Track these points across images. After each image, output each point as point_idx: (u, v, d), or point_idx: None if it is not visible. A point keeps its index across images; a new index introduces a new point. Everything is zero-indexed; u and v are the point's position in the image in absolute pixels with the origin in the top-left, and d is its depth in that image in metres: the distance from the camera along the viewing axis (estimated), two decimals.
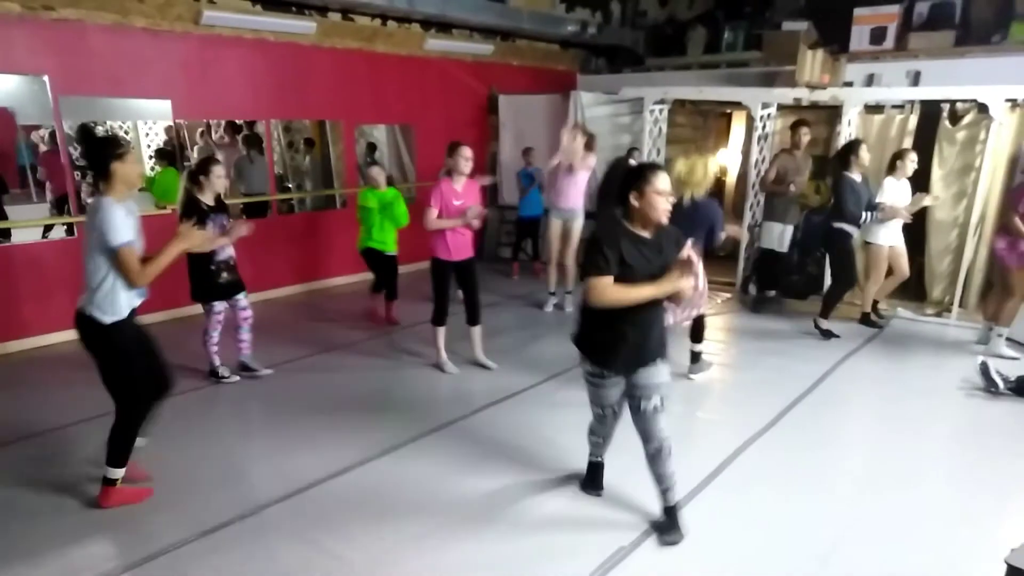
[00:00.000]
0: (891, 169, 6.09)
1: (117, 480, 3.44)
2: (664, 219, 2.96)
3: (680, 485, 3.59)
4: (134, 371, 3.34)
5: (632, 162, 7.21)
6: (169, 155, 6.55)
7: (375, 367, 5.49)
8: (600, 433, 3.51)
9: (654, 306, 3.03)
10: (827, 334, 6.06)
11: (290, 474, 3.75)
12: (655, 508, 3.34)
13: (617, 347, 3.06)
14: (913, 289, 7.14)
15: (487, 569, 3.01)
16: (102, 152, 3.23)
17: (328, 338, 6.16)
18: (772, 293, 7.29)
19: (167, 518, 3.36)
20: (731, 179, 9.97)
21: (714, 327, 6.64)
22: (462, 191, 5.00)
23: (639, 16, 10.82)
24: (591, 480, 3.64)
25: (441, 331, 5.30)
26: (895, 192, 6.04)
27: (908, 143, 6.72)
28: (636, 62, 10.44)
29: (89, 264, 3.19)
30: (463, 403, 4.69)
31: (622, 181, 3.03)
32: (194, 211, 4.57)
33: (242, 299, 5.02)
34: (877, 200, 5.99)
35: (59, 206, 5.89)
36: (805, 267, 7.43)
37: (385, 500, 3.53)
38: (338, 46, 7.65)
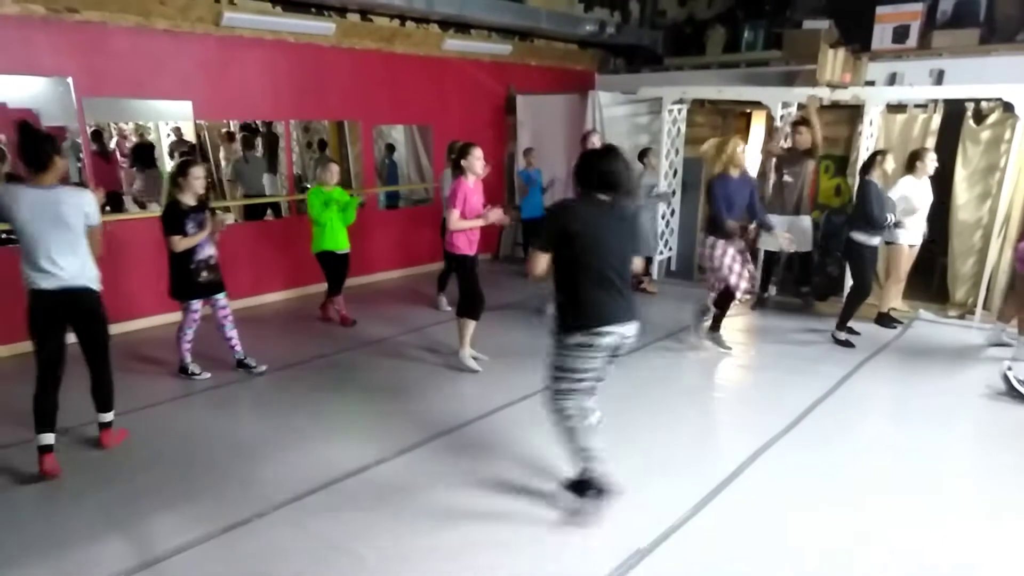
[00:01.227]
0: (910, 168, 6.02)
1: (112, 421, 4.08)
2: None
3: (697, 488, 3.59)
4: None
5: (646, 161, 7.31)
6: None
7: (392, 367, 5.50)
8: (589, 410, 3.26)
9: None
10: (846, 344, 5.96)
11: (306, 472, 3.78)
12: (671, 512, 3.33)
13: (606, 302, 3.15)
14: (936, 290, 7.05)
15: (502, 569, 3.01)
16: (45, 147, 3.66)
17: (343, 337, 6.20)
18: (773, 292, 7.30)
19: (182, 515, 3.40)
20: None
21: (733, 328, 6.61)
22: (475, 189, 5.13)
23: (658, 15, 10.76)
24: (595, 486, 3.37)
25: (471, 325, 5.32)
26: (913, 191, 5.97)
27: (931, 143, 6.63)
28: (655, 62, 10.38)
29: (71, 242, 3.69)
30: (480, 403, 4.68)
31: (589, 166, 3.23)
32: (174, 212, 4.73)
33: (221, 299, 5.11)
34: (889, 195, 5.92)
35: (114, 203, 6.06)
36: (825, 267, 7.37)
37: (401, 499, 3.54)
38: (357, 47, 7.69)
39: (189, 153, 6.60)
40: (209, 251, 4.93)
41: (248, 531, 3.27)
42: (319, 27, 7.13)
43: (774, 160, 7.03)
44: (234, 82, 6.79)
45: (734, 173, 5.30)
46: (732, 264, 5.41)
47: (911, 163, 6.03)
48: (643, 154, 7.73)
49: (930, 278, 7.30)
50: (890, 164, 5.86)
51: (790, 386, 5.04)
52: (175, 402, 4.79)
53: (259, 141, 7.35)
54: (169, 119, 6.48)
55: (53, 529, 3.30)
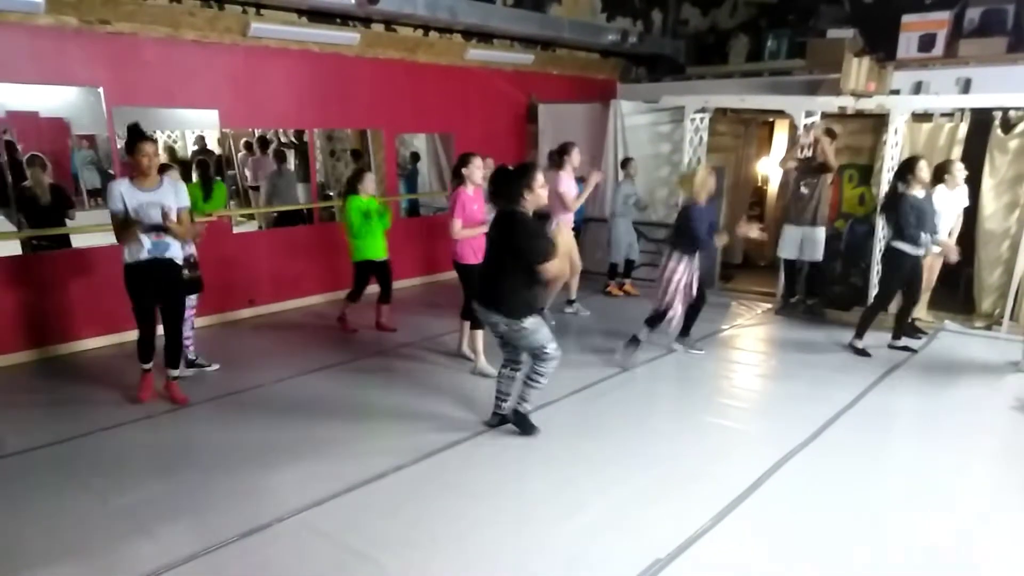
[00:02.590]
0: (938, 180, 5.95)
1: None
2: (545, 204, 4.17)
3: (718, 499, 3.57)
4: None
5: (627, 172, 7.44)
6: (203, 164, 6.74)
7: (410, 373, 5.53)
8: (550, 374, 4.19)
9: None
10: (862, 353, 5.91)
11: (325, 478, 3.80)
12: (691, 522, 3.34)
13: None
14: (962, 301, 6.96)
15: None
16: None
17: (363, 344, 6.24)
18: (796, 299, 7.26)
19: (204, 520, 3.44)
20: (772, 188, 9.82)
21: (753, 337, 6.58)
22: (475, 197, 5.25)
23: (680, 25, 10.76)
24: (530, 423, 4.33)
25: (480, 334, 5.36)
26: (948, 202, 5.91)
27: (957, 152, 6.56)
28: (677, 71, 10.38)
29: None
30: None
31: (512, 182, 4.00)
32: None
33: (193, 298, 5.30)
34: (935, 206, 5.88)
35: None
36: (848, 278, 7.30)
37: (419, 506, 3.56)
38: (380, 56, 7.77)
39: (201, 163, 6.71)
40: (190, 251, 5.13)
41: (267, 537, 3.29)
42: (344, 37, 7.22)
43: (793, 172, 7.02)
44: (260, 91, 6.89)
45: (702, 200, 5.49)
46: (684, 289, 5.49)
47: (938, 176, 5.96)
48: (625, 163, 7.80)
49: (956, 289, 7.21)
50: (925, 171, 5.62)
51: (812, 397, 4.99)
52: (190, 408, 4.83)
53: (291, 154, 7.44)
54: (196, 128, 6.59)
55: (77, 532, 3.35)
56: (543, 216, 4.38)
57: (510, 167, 4.21)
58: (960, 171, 5.93)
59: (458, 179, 5.32)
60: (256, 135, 7.11)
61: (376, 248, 6.28)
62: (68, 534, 3.33)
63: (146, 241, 4.46)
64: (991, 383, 5.34)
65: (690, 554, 3.15)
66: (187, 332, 5.33)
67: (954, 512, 3.54)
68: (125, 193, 4.39)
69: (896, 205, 5.64)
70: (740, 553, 3.17)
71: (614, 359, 5.62)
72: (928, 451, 4.27)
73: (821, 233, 6.83)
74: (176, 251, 4.63)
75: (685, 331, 5.88)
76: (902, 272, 5.75)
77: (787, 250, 7.01)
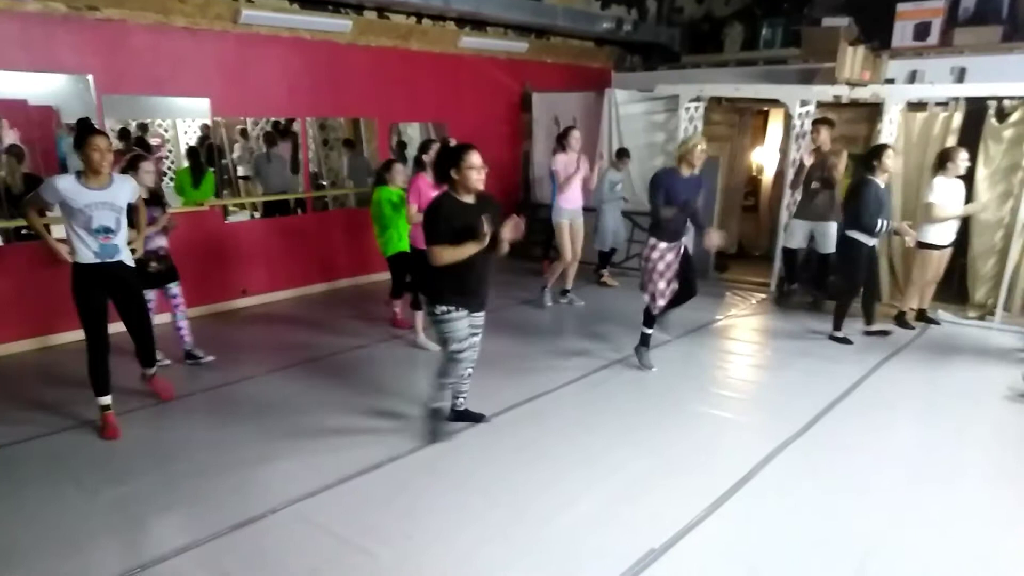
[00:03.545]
0: (940, 168, 5.95)
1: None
2: (480, 187, 3.80)
3: (711, 489, 3.57)
4: None
5: (619, 161, 7.43)
6: (194, 153, 6.68)
7: (404, 363, 5.52)
8: (456, 374, 4.03)
9: (484, 262, 3.88)
10: (844, 341, 5.94)
11: (319, 469, 3.79)
12: (685, 513, 3.34)
13: (470, 290, 3.88)
14: (955, 291, 6.97)
15: (514, 569, 3.01)
16: None
17: (355, 334, 6.22)
18: (794, 286, 7.26)
19: (197, 512, 3.43)
20: (767, 178, 9.81)
21: (748, 328, 6.58)
22: (434, 184, 5.12)
23: (675, 13, 10.70)
24: (438, 427, 4.13)
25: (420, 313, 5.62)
26: (946, 191, 5.91)
27: (952, 141, 6.54)
28: (672, 59, 10.34)
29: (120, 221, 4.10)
30: (493, 401, 4.65)
31: (442, 160, 3.84)
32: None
33: (173, 287, 5.23)
34: (928, 200, 5.91)
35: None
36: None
37: (413, 497, 3.55)
38: (373, 44, 7.70)
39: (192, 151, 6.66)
40: (159, 243, 5.08)
41: (260, 528, 3.29)
42: (336, 24, 7.16)
43: (808, 169, 6.74)
44: (251, 79, 6.82)
45: (685, 171, 4.99)
46: (664, 273, 5.06)
47: (941, 163, 5.96)
48: (621, 153, 7.83)
49: (949, 278, 7.22)
50: (893, 160, 5.72)
51: (806, 387, 5.00)
52: (182, 400, 4.80)
53: (281, 140, 7.35)
54: (186, 116, 6.53)
55: (69, 525, 3.34)
56: (484, 201, 3.88)
57: (451, 144, 4.07)
58: (963, 160, 5.91)
59: (419, 166, 5.42)
60: (258, 125, 7.04)
61: (406, 239, 6.05)
62: (60, 528, 3.31)
63: (92, 244, 4.04)
64: (984, 372, 5.35)
65: (684, 544, 3.16)
66: (180, 323, 5.33)
67: (950, 501, 3.55)
68: (69, 191, 3.92)
69: (859, 191, 5.67)
70: (735, 543, 3.17)
71: (631, 362, 5.41)
72: (923, 440, 4.29)
73: (833, 228, 6.76)
74: (125, 254, 4.21)
75: (644, 340, 5.33)
76: (861, 261, 5.81)
77: (793, 241, 6.94)
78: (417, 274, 5.40)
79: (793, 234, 6.93)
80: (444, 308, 3.86)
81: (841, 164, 6.62)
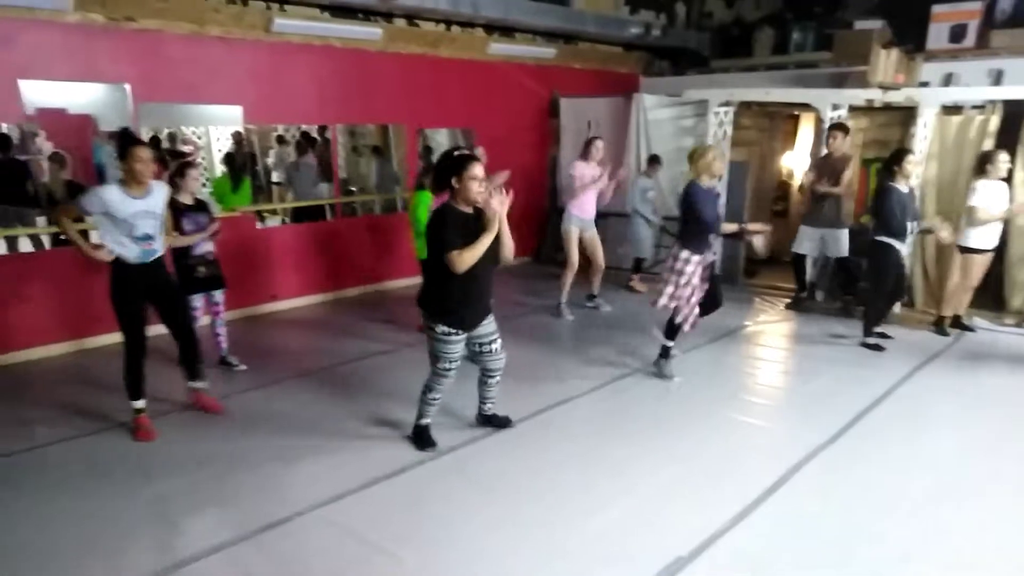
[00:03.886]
0: (980, 171, 5.85)
1: None
2: (479, 200, 3.63)
3: (740, 497, 3.54)
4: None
5: (651, 168, 7.31)
6: (231, 159, 6.79)
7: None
8: (442, 390, 4.01)
9: (486, 274, 3.79)
10: (875, 348, 5.85)
11: (345, 472, 3.82)
12: (714, 520, 3.30)
13: (465, 308, 3.78)
14: (991, 297, 6.82)
15: (541, 574, 3.01)
16: None
17: (381, 339, 6.26)
18: (803, 294, 7.21)
19: (226, 514, 3.48)
20: (796, 182, 9.69)
21: (777, 334, 6.51)
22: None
23: (704, 17, 10.65)
24: (427, 439, 4.10)
25: None
26: (989, 195, 5.80)
27: (989, 145, 6.41)
28: (700, 64, 10.27)
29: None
30: (521, 406, 4.64)
31: (444, 166, 3.71)
32: (172, 209, 4.69)
33: (218, 295, 5.28)
34: (971, 203, 5.83)
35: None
36: None
37: (439, 501, 3.57)
38: (403, 51, 7.78)
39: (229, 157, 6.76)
40: (207, 247, 5.13)
41: (287, 530, 3.32)
42: (366, 32, 7.24)
43: (815, 173, 6.81)
44: (283, 87, 6.92)
45: (705, 182, 4.89)
46: (695, 286, 4.96)
47: (981, 166, 5.86)
48: (652, 159, 7.86)
49: (985, 285, 7.06)
50: (913, 167, 5.70)
51: (837, 394, 4.93)
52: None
53: (312, 148, 7.47)
54: (220, 124, 6.65)
55: (104, 524, 3.40)
56: (482, 217, 3.68)
57: (455, 152, 3.90)
58: (1004, 162, 5.81)
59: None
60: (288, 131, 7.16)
61: None
62: (95, 526, 3.38)
63: (134, 249, 4.08)
64: (1021, 380, 5.23)
65: (712, 552, 3.13)
66: (219, 329, 5.40)
67: (984, 512, 3.47)
68: (115, 202, 3.95)
69: (880, 197, 5.65)
70: (762, 552, 3.13)
71: (650, 370, 5.35)
72: (957, 450, 4.19)
73: (844, 233, 6.68)
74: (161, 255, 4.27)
75: (665, 352, 5.22)
76: (889, 265, 5.73)
77: (803, 247, 6.91)
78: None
79: (801, 240, 6.89)
80: (444, 330, 3.81)
81: (848, 171, 6.56)
